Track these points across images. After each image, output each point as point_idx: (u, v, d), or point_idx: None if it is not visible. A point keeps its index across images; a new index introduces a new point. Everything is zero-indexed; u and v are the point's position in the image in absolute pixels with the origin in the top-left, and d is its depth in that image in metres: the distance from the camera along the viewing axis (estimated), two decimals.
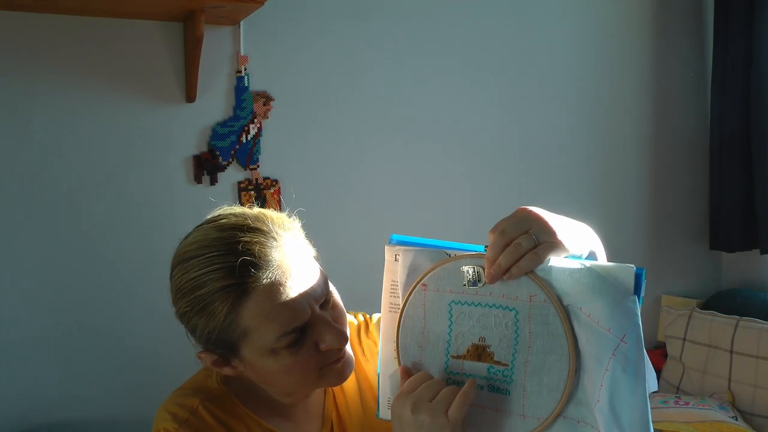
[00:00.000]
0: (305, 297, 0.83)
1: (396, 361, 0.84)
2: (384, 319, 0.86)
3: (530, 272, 0.73)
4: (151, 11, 1.71)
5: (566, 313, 0.72)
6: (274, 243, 0.82)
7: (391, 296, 0.85)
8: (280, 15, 1.91)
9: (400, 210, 2.10)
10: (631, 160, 2.49)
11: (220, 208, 0.89)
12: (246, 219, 0.84)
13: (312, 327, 0.84)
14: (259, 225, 0.84)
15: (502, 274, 0.73)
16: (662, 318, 2.49)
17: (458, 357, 0.78)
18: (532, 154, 2.30)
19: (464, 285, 0.77)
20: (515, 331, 0.75)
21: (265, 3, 1.69)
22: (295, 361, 0.83)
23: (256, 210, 0.88)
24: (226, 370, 0.87)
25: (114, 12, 1.70)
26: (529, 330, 0.74)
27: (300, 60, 1.95)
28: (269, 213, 0.87)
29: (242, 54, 1.88)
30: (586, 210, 2.40)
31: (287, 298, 0.81)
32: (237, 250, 0.79)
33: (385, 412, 0.87)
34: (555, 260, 0.73)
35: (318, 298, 0.85)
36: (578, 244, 0.76)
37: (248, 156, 1.90)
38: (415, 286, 0.80)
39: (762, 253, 2.36)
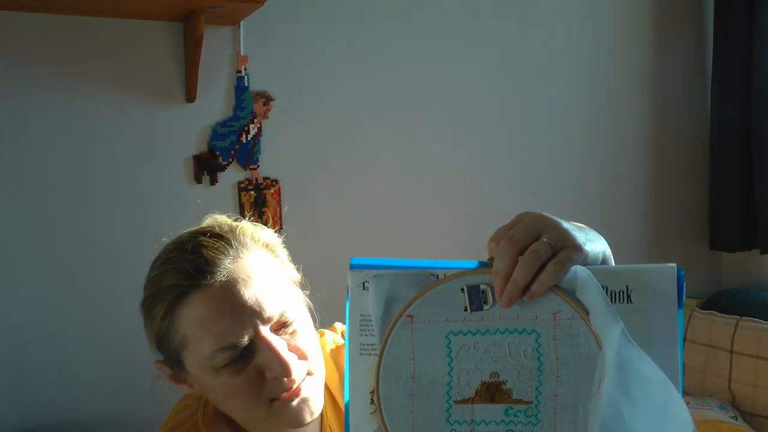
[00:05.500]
0: (248, 313, 0.75)
1: (373, 418, 0.65)
2: (353, 365, 0.66)
3: None
4: (151, 11, 1.71)
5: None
6: (231, 252, 0.78)
7: (361, 335, 0.66)
8: (280, 15, 1.91)
9: (401, 210, 2.10)
10: (630, 160, 2.48)
11: (210, 216, 0.86)
12: (218, 226, 0.81)
13: (257, 349, 0.75)
14: (224, 233, 0.79)
15: (521, 291, 0.59)
16: None
17: (464, 401, 0.62)
18: (531, 154, 2.30)
19: (465, 310, 0.62)
20: (537, 359, 0.61)
21: (265, 3, 1.69)
22: (235, 384, 0.75)
23: (244, 222, 0.83)
24: (184, 387, 0.82)
25: (114, 12, 1.70)
26: (556, 355, 0.61)
27: (300, 60, 1.95)
28: (248, 225, 0.83)
29: (242, 54, 1.88)
30: (586, 210, 2.41)
31: (226, 309, 0.74)
32: (188, 251, 0.76)
33: None
34: (578, 268, 0.61)
35: (268, 318, 0.76)
36: (595, 248, 0.63)
37: (248, 156, 1.90)
38: (397, 320, 0.64)
39: (762, 253, 2.36)
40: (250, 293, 0.76)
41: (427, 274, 0.64)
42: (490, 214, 2.23)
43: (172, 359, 0.79)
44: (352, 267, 0.67)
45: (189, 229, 0.82)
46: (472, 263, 0.63)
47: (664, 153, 2.54)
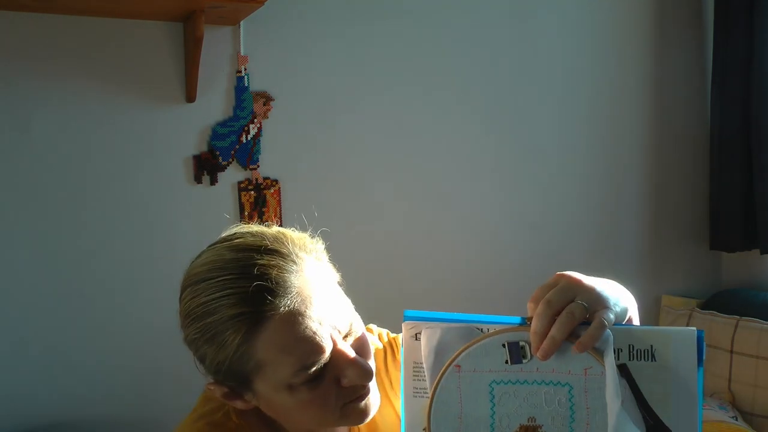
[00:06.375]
0: (327, 329, 0.75)
1: None
2: (408, 406, 0.77)
3: None
4: (151, 11, 1.71)
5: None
6: (294, 267, 0.75)
7: (414, 380, 0.77)
8: (280, 15, 1.91)
9: (401, 210, 2.10)
10: (631, 160, 2.48)
11: (236, 226, 0.82)
12: (264, 239, 0.77)
13: (333, 361, 0.76)
14: (277, 246, 0.76)
15: (557, 347, 0.67)
16: (662, 318, 2.49)
17: None
18: (531, 155, 2.30)
19: (506, 362, 0.71)
20: (570, 408, 0.70)
21: (265, 3, 1.69)
22: (313, 397, 0.76)
23: (275, 229, 0.80)
24: (238, 404, 0.80)
25: (114, 12, 1.70)
26: (586, 405, 0.70)
27: (300, 60, 1.95)
28: (289, 233, 0.80)
29: (242, 54, 1.88)
30: (586, 210, 2.41)
31: (307, 330, 0.73)
32: (252, 274, 0.72)
33: None
34: (608, 332, 0.70)
35: (341, 330, 0.78)
36: (623, 306, 0.72)
37: (248, 156, 1.90)
38: (446, 368, 0.74)
39: (762, 253, 2.36)
40: (323, 309, 0.76)
41: (473, 328, 0.73)
42: (491, 215, 2.24)
43: (238, 381, 0.77)
44: (406, 319, 0.77)
45: (222, 245, 0.78)
46: (515, 319, 0.72)
47: (664, 153, 2.54)
